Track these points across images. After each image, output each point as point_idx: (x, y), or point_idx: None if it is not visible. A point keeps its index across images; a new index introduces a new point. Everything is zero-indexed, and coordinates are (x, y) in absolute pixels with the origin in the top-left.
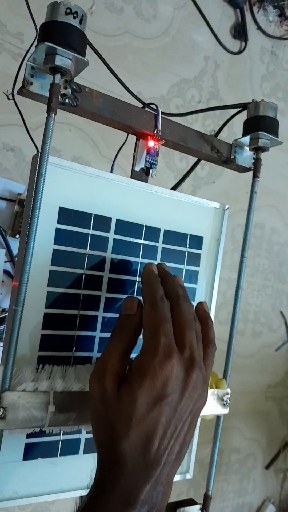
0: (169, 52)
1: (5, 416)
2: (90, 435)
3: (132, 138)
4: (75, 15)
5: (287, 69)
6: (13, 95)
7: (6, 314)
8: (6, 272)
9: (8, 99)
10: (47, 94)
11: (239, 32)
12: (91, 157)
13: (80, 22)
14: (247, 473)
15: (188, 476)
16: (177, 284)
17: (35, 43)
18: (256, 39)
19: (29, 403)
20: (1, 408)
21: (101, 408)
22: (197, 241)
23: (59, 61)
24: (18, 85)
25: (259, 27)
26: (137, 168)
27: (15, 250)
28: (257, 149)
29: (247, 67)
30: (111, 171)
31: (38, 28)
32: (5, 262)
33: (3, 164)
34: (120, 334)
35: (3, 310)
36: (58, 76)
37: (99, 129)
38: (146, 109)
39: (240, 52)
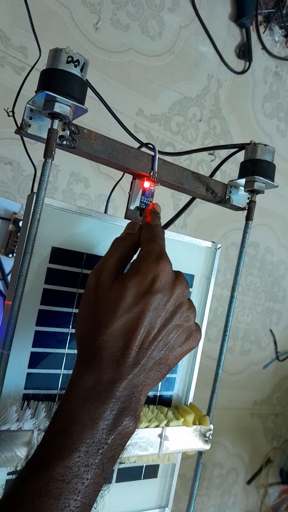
0: (172, 70)
1: None
2: None
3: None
4: (76, 63)
5: None
6: (13, 112)
7: None
8: None
9: (8, 115)
10: (45, 136)
11: (244, 52)
12: (89, 173)
13: (81, 70)
14: (229, 488)
15: (167, 510)
16: None
17: (39, 60)
18: (260, 59)
19: (12, 442)
20: None
21: (92, 297)
22: (188, 279)
23: (58, 108)
24: (20, 101)
25: (264, 47)
26: (131, 207)
27: (7, 268)
28: (252, 192)
29: (250, 86)
30: (105, 211)
31: (40, 45)
32: None
33: (0, 178)
34: (120, 243)
35: None
36: (56, 121)
37: None
38: (143, 149)
39: (243, 71)
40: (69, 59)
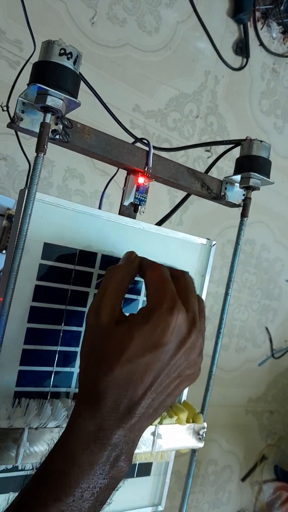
0: (169, 66)
1: None
2: None
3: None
4: (69, 55)
5: (287, 86)
6: (7, 107)
7: None
8: None
9: (3, 110)
10: (37, 130)
11: (241, 48)
12: (85, 169)
13: (74, 62)
14: (223, 485)
15: (160, 508)
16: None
17: (33, 54)
18: (258, 55)
19: (2, 440)
20: None
21: (94, 336)
22: None
23: (51, 101)
24: (14, 95)
25: (261, 44)
26: (126, 203)
27: (0, 264)
28: (248, 188)
29: (247, 83)
30: (99, 207)
31: (35, 39)
32: None
33: None
34: (117, 272)
35: None
36: (49, 115)
37: None
38: (138, 144)
39: (241, 68)
40: (62, 51)
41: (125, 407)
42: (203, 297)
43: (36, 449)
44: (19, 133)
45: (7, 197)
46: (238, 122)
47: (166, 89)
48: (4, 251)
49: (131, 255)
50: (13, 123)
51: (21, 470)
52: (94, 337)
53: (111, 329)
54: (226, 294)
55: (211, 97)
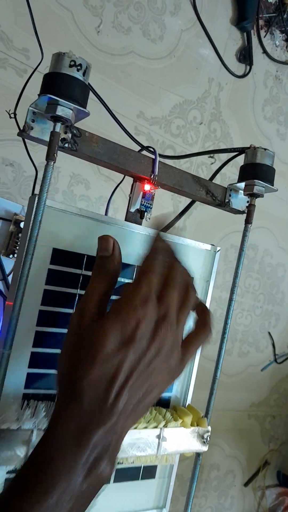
0: (173, 73)
1: None
2: None
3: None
4: (79, 67)
5: None
6: (15, 114)
7: None
8: None
9: (10, 117)
10: (47, 138)
11: (245, 56)
12: (90, 175)
13: (84, 74)
14: (226, 490)
15: (165, 510)
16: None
17: (41, 63)
18: (261, 62)
19: (12, 441)
20: None
21: (73, 338)
22: None
23: (61, 111)
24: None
25: (264, 51)
26: (132, 210)
27: (7, 269)
28: (252, 195)
29: (250, 90)
30: (106, 213)
31: (43, 47)
32: None
33: (1, 179)
34: (99, 277)
35: None
36: (58, 125)
37: None
38: (144, 152)
39: (244, 75)
40: (72, 63)
41: (103, 406)
42: (208, 302)
43: None
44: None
45: (14, 202)
46: (241, 128)
47: (170, 96)
48: (11, 256)
49: (107, 245)
50: (24, 132)
51: None
52: (73, 338)
53: (89, 328)
54: (230, 300)
55: (215, 104)
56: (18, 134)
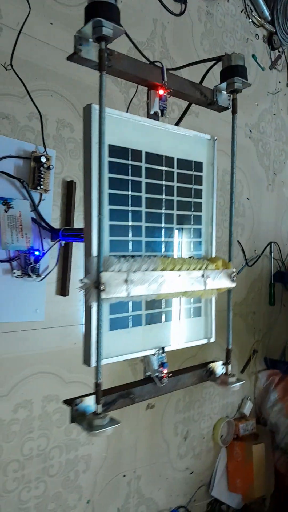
0: (122, 18)
1: (104, 289)
2: (150, 311)
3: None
4: None
5: (221, 26)
6: (11, 65)
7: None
8: (32, 219)
9: (6, 69)
10: (93, 58)
11: None
12: (72, 118)
13: (115, 0)
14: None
15: (212, 339)
16: None
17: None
18: (193, 0)
19: (116, 280)
20: (102, 284)
21: None
22: (198, 165)
23: (105, 31)
24: (16, 57)
25: None
26: (151, 112)
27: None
28: (233, 92)
29: (189, 27)
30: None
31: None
32: (31, 211)
33: (0, 131)
34: None
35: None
36: (103, 43)
37: (76, 94)
38: (153, 65)
39: (181, 13)
40: None
41: None
42: (215, 184)
43: (138, 287)
44: (14, 92)
45: (28, 143)
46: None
47: (124, 39)
48: (38, 187)
49: None
50: (76, 54)
51: (123, 311)
52: None
53: None
54: (232, 181)
55: (162, 43)
56: (68, 58)
